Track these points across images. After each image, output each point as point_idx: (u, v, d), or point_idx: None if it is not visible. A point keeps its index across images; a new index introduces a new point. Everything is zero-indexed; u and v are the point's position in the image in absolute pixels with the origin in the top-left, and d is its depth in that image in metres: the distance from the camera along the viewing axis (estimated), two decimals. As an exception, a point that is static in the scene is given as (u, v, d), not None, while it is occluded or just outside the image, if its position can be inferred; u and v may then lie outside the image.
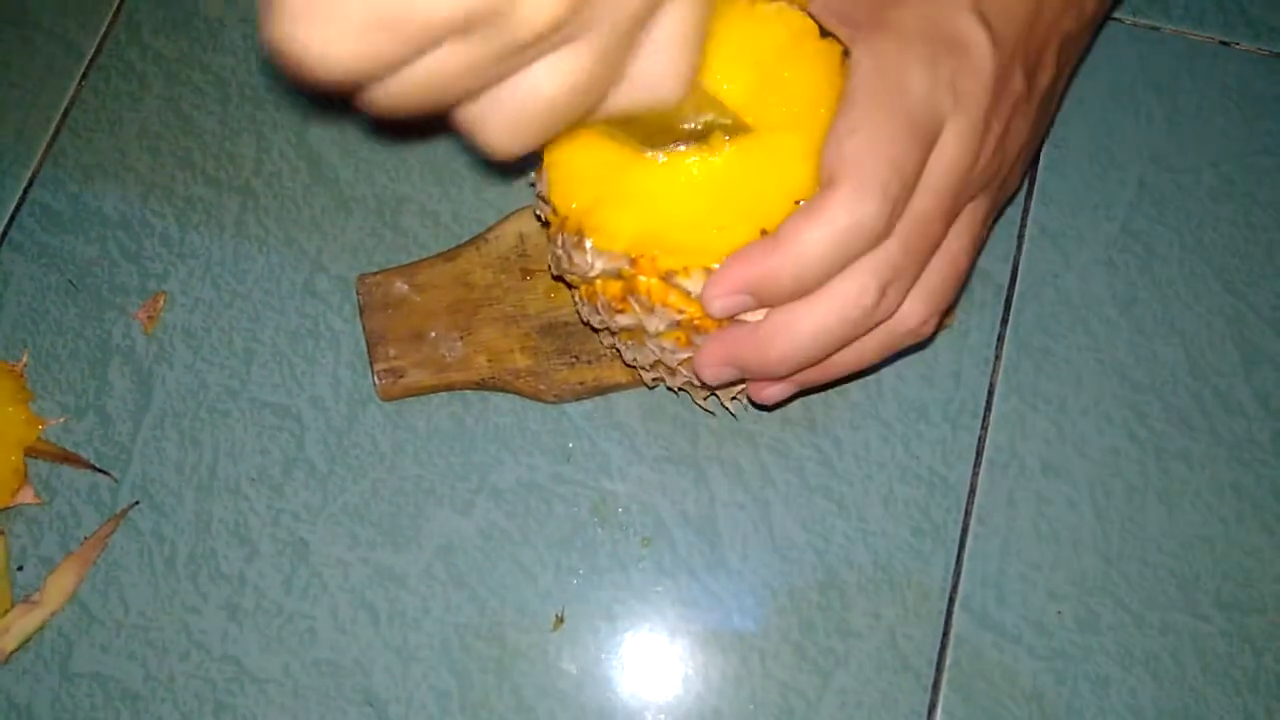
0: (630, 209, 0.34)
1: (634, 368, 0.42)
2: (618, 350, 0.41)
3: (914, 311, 0.34)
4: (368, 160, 0.49)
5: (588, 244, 0.34)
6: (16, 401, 0.44)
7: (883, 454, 0.44)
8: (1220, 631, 0.42)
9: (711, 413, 0.44)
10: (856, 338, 0.34)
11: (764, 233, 0.33)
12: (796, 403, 0.45)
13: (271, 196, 0.48)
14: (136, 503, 0.44)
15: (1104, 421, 0.45)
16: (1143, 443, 0.44)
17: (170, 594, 0.43)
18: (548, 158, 0.36)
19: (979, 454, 0.44)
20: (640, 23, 0.28)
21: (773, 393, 0.37)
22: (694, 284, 0.33)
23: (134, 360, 0.46)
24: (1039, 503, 0.44)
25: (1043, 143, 0.38)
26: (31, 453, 0.44)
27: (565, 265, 0.36)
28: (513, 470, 0.44)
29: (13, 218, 0.48)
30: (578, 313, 0.41)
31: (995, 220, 0.36)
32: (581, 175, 0.35)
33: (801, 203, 0.33)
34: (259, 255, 0.48)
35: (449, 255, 0.46)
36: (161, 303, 0.47)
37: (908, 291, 0.33)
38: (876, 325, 0.34)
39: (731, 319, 0.34)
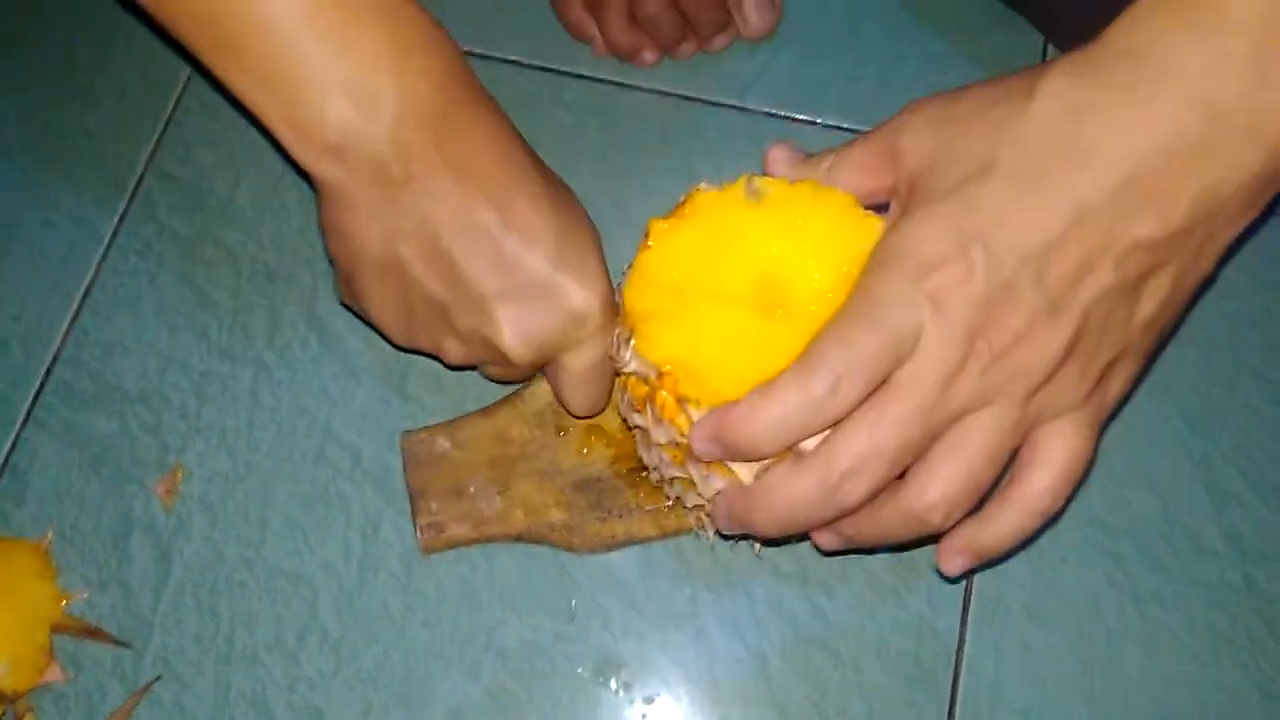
0: (680, 332, 0.38)
1: (659, 516, 0.47)
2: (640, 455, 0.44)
3: (918, 495, 0.35)
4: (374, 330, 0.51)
5: (631, 343, 0.38)
6: (43, 579, 0.46)
7: (873, 604, 0.46)
8: (1203, 773, 0.44)
9: (711, 545, 0.47)
10: (835, 513, 0.36)
11: None
12: (786, 552, 0.47)
13: (283, 368, 0.51)
14: (159, 678, 0.46)
15: (1082, 567, 0.47)
16: (1120, 587, 0.46)
17: (191, 766, 0.44)
18: (638, 258, 0.40)
19: (966, 602, 0.46)
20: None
21: (823, 541, 0.39)
22: (699, 417, 0.37)
23: (154, 533, 0.48)
24: (1024, 650, 0.46)
25: (1139, 353, 0.36)
26: (57, 629, 0.46)
27: (612, 352, 0.41)
28: (517, 630, 0.46)
29: (37, 396, 0.51)
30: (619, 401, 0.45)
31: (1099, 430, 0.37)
32: (658, 285, 0.39)
33: None
34: (271, 424, 0.50)
35: (488, 412, 0.48)
36: (180, 476, 0.49)
37: (879, 482, 0.35)
38: (843, 506, 0.35)
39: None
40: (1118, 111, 0.32)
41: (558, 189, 0.42)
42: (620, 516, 0.47)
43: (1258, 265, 0.51)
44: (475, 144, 0.39)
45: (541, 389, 0.48)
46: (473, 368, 0.45)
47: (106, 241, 0.54)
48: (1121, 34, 0.32)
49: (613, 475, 0.47)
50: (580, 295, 0.40)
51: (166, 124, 0.56)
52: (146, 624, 0.47)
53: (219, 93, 0.56)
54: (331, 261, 0.43)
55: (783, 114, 0.56)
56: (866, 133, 0.38)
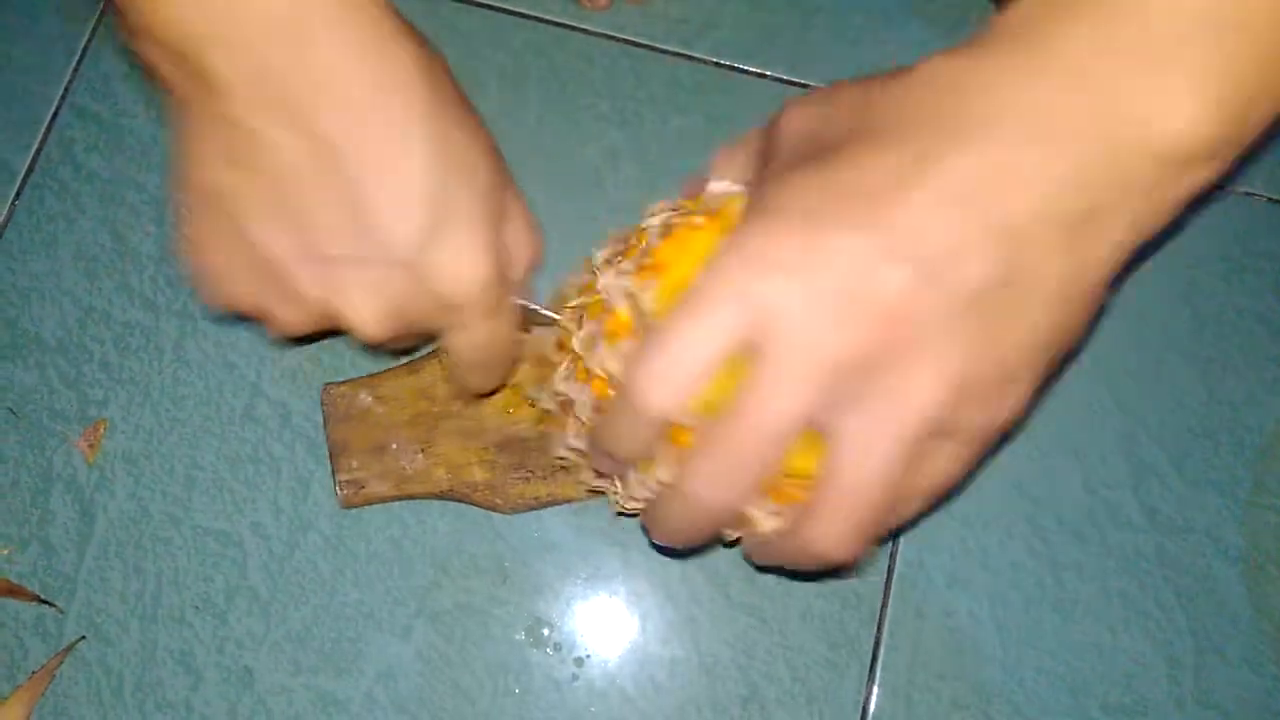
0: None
1: (581, 480, 0.41)
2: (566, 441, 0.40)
3: (817, 539, 0.31)
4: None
5: (650, 286, 0.33)
6: (-41, 536, 0.45)
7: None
8: (1107, 735, 0.46)
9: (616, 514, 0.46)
10: (711, 527, 0.32)
11: None
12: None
13: (209, 321, 0.49)
14: (83, 637, 0.45)
15: (1004, 535, 0.48)
16: (1039, 555, 0.48)
17: (118, 725, 0.44)
18: (673, 256, 0.33)
19: (890, 568, 0.48)
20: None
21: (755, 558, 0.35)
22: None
23: (76, 489, 0.47)
24: (944, 615, 0.47)
25: (1033, 362, 0.30)
26: (-24, 587, 0.45)
27: (609, 281, 0.34)
28: (450, 593, 0.46)
29: (-51, 344, 0.49)
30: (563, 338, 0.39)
31: (970, 449, 0.31)
32: (680, 289, 0.32)
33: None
34: (198, 380, 0.49)
35: (412, 367, 0.48)
36: (102, 430, 0.48)
37: (737, 497, 0.30)
38: (716, 519, 0.32)
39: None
40: (982, 88, 0.27)
41: (459, 135, 0.32)
42: (544, 478, 0.47)
43: (1188, 239, 0.52)
44: (348, 66, 0.30)
45: None
46: (310, 339, 0.39)
47: (20, 179, 0.51)
48: (1002, 18, 0.28)
49: (537, 436, 0.47)
50: (452, 277, 0.32)
51: (82, 55, 0.53)
52: (70, 582, 0.46)
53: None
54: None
55: (730, 64, 0.55)
56: (749, 132, 0.35)
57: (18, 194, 0.51)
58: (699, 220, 0.33)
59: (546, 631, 0.46)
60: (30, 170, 0.51)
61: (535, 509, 0.47)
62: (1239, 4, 0.26)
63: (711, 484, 0.30)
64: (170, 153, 0.33)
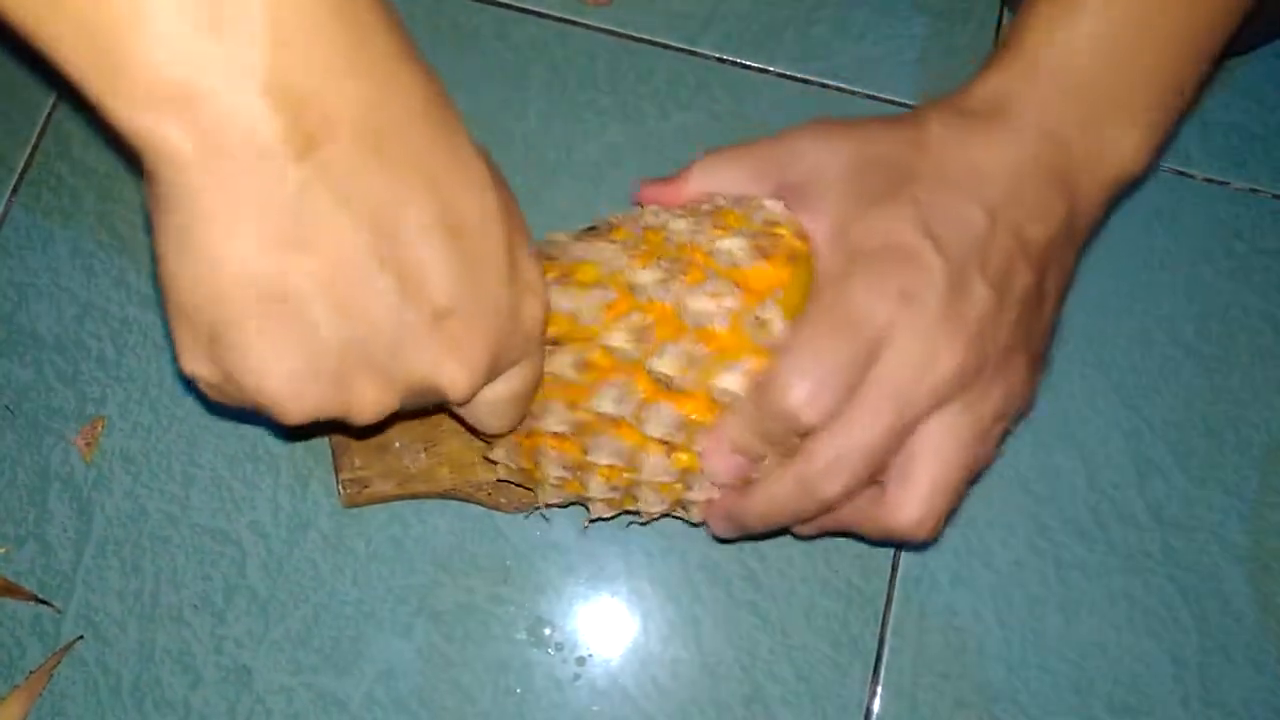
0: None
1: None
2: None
3: (897, 516, 0.36)
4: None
5: (770, 309, 0.35)
6: (-45, 535, 0.45)
7: (805, 569, 0.47)
8: (1112, 735, 0.45)
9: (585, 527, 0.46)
10: (816, 508, 0.36)
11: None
12: (723, 519, 0.47)
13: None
14: (80, 637, 0.45)
15: (1007, 534, 0.48)
16: (1043, 553, 0.48)
17: (116, 724, 0.44)
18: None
19: (894, 567, 0.47)
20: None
21: (803, 530, 0.40)
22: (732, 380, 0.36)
23: (73, 487, 0.47)
24: (948, 614, 0.47)
25: (1046, 352, 0.38)
26: (-28, 586, 0.45)
27: (700, 303, 0.36)
28: (451, 592, 0.46)
29: (-55, 340, 0.48)
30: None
31: (1005, 432, 0.37)
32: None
33: None
34: (197, 377, 0.48)
35: None
36: (100, 428, 0.47)
37: (856, 479, 0.35)
38: (822, 502, 0.36)
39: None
40: (989, 147, 0.36)
41: (493, 167, 0.30)
42: None
43: (1194, 236, 0.52)
44: (402, 105, 0.26)
45: None
46: (379, 427, 0.36)
47: (17, 175, 0.51)
48: (978, 87, 0.37)
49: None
50: (533, 309, 0.31)
51: (79, 50, 0.53)
52: (67, 581, 0.46)
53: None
54: (166, 304, 0.28)
55: (734, 59, 0.54)
56: (746, 141, 0.39)
57: (14, 190, 0.51)
58: (797, 243, 0.36)
59: (548, 631, 0.46)
60: (27, 166, 0.51)
61: (539, 508, 0.47)
62: (1155, 71, 0.36)
63: (829, 479, 0.35)
64: (163, 255, 0.26)
